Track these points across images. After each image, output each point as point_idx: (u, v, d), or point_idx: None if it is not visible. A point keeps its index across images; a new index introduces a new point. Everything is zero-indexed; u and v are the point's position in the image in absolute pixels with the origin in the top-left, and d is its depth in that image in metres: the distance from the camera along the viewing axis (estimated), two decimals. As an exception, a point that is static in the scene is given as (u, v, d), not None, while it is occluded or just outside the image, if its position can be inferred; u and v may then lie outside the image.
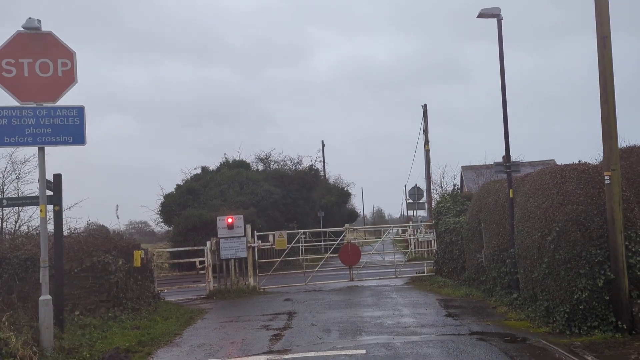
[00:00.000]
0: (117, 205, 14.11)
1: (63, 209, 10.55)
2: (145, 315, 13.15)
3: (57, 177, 10.08)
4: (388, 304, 13.85)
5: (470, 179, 46.10)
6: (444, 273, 18.32)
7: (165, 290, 18.08)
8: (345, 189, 55.54)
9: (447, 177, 50.22)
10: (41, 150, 8.93)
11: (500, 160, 13.46)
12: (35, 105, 8.88)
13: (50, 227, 11.18)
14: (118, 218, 15.05)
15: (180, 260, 20.82)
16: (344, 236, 19.04)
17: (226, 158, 35.81)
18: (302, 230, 18.95)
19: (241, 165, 34.67)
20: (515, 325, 10.38)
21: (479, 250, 14.49)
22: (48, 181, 9.85)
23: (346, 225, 19.34)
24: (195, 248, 18.75)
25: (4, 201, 12.09)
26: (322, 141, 54.12)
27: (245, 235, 17.83)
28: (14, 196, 15.91)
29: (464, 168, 50.57)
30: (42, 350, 8.08)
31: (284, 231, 18.42)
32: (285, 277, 20.02)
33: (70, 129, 8.94)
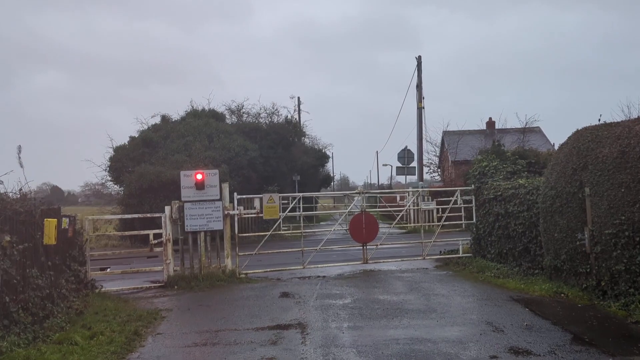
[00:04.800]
0: (20, 147, 8.43)
1: None
2: (58, 326, 7.89)
3: None
4: (449, 308, 8.95)
5: (453, 144, 42.40)
6: (490, 255, 13.58)
7: (107, 271, 12.77)
8: (323, 150, 50.50)
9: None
10: None
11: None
12: None
13: None
14: (22, 166, 8.71)
15: (128, 233, 15.29)
16: (355, 204, 14.00)
17: (192, 106, 29.92)
18: (301, 194, 13.75)
19: (212, 115, 28.87)
20: None
21: (579, 228, 9.68)
22: None
23: (359, 187, 14.26)
24: (149, 215, 13.32)
25: None
26: (298, 97, 48.33)
27: (221, 199, 12.56)
28: None
29: (446, 133, 46.60)
30: None
31: (275, 194, 13.19)
32: (270, 256, 14.91)
33: None
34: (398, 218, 16.19)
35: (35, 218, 8.42)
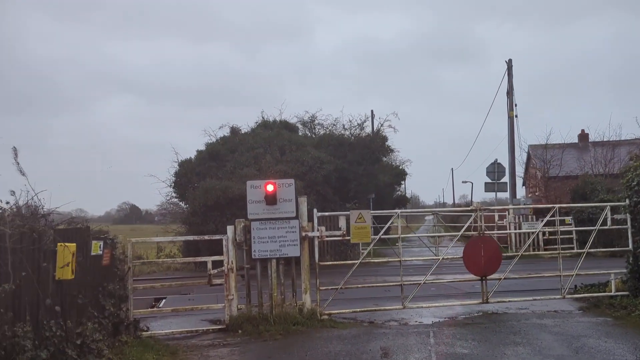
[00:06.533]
0: (15, 148, 5.98)
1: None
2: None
3: None
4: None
5: (556, 157, 37.25)
6: (663, 295, 9.83)
7: (161, 304, 10.27)
8: (401, 167, 46.85)
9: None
10: None
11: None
12: None
13: None
14: (23, 174, 6.32)
15: (181, 260, 12.76)
16: (471, 222, 10.69)
17: (263, 117, 27.61)
18: (399, 211, 10.67)
19: (284, 126, 26.42)
20: None
21: None
22: None
23: (475, 203, 11.01)
24: (207, 237, 10.71)
25: None
26: (372, 111, 45.10)
27: (297, 217, 9.72)
28: None
29: (532, 147, 42.03)
30: None
31: (365, 211, 10.21)
32: (357, 290, 11.80)
33: None
34: (526, 246, 12.61)
35: (40, 244, 5.90)
